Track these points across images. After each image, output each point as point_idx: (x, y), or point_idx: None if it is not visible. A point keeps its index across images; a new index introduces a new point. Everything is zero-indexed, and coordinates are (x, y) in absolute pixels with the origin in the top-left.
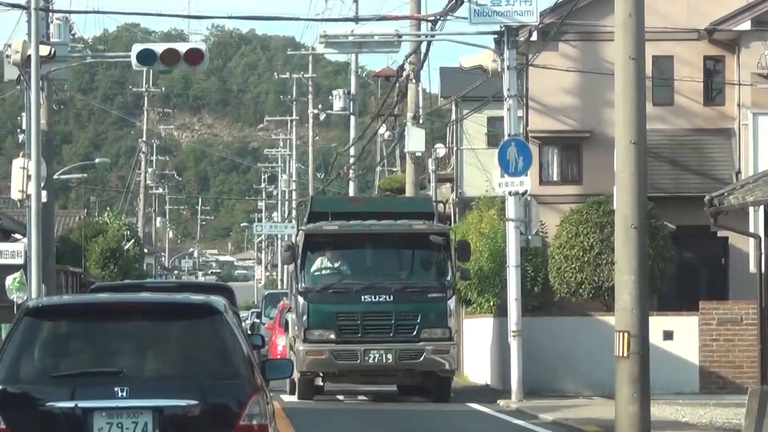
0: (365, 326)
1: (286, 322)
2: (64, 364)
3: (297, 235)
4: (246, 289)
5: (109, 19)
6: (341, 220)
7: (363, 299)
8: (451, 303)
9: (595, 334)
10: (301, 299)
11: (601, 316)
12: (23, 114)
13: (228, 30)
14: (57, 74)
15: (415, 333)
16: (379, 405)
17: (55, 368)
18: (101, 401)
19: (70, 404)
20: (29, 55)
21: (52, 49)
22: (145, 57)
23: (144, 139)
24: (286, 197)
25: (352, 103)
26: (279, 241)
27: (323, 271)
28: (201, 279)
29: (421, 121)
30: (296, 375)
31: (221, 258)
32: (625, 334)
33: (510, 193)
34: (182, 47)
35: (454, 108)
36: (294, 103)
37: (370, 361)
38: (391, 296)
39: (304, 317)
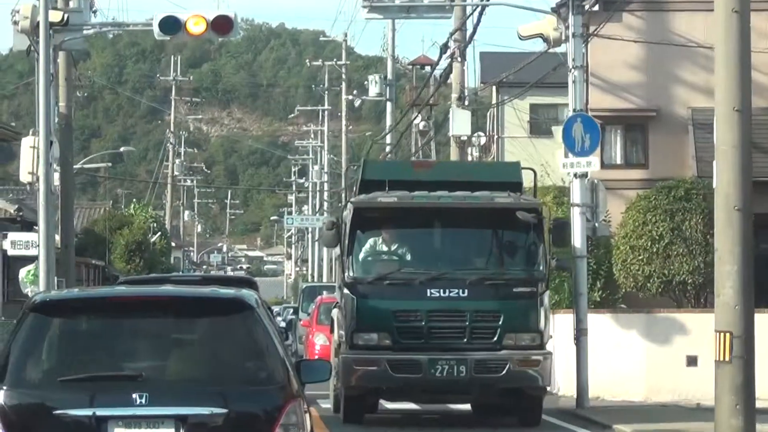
0: (431, 329)
1: (332, 321)
2: (76, 366)
3: (344, 210)
4: (275, 284)
5: (137, 12)
6: (402, 191)
7: (429, 294)
8: (545, 299)
9: (664, 333)
10: (347, 293)
11: (672, 313)
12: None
13: (257, 24)
14: (72, 45)
15: (496, 338)
16: (448, 430)
17: (65, 371)
18: (118, 409)
19: (83, 412)
20: (39, 22)
21: (65, 15)
22: (169, 25)
23: (172, 129)
24: (318, 189)
25: (388, 88)
26: (309, 235)
27: (377, 257)
28: (230, 274)
29: (466, 103)
30: (339, 388)
31: (250, 253)
32: (727, 334)
33: (576, 175)
34: (209, 14)
35: (495, 94)
36: (326, 92)
37: (438, 374)
38: (466, 290)
39: (352, 316)
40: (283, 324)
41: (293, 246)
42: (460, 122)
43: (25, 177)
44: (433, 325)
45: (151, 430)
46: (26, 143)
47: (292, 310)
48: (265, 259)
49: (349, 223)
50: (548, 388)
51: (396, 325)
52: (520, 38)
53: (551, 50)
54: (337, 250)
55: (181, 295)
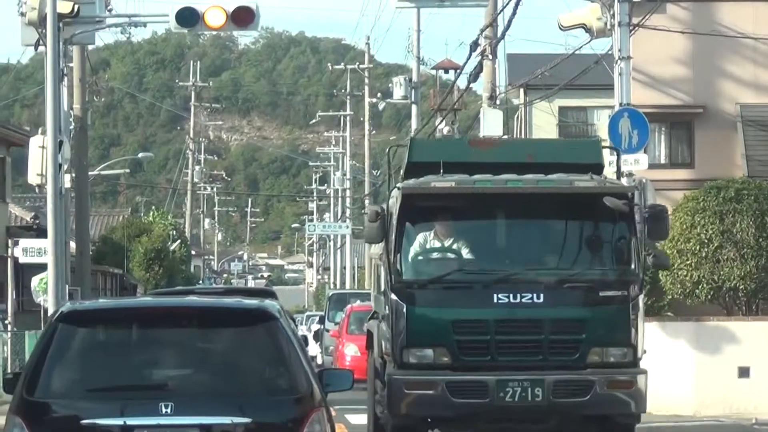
0: (500, 343)
1: (368, 334)
2: (102, 376)
3: (389, 197)
4: (296, 293)
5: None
6: (460, 174)
7: (496, 300)
8: (638, 305)
9: (714, 342)
10: (395, 299)
11: (722, 322)
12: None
13: (277, 32)
14: (83, 39)
15: (579, 354)
16: None
17: (92, 381)
18: (144, 418)
19: (110, 421)
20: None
21: (76, 6)
22: (187, 17)
23: (191, 135)
24: (340, 195)
25: (413, 91)
26: (331, 243)
27: (432, 255)
28: (251, 282)
29: (498, 102)
30: (384, 417)
31: (271, 261)
32: None
33: (623, 174)
34: (229, 5)
35: (522, 96)
36: (348, 96)
37: (508, 398)
38: (541, 295)
39: (402, 328)
40: (307, 333)
41: (314, 254)
42: (491, 122)
43: (33, 179)
44: (502, 339)
45: None
46: (35, 143)
47: (317, 319)
48: (285, 267)
49: (396, 214)
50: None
51: (456, 338)
52: (560, 28)
53: (593, 40)
54: (373, 249)
55: (206, 306)
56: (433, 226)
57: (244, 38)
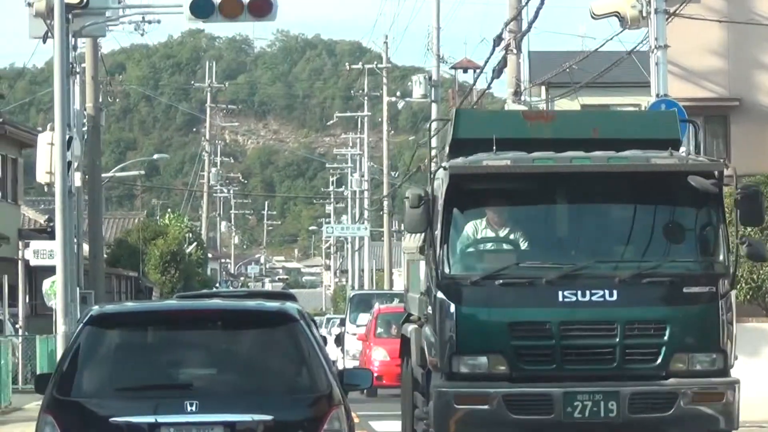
0: (567, 349)
1: (402, 340)
2: (130, 376)
3: (434, 179)
4: (314, 296)
5: (172, 25)
6: (516, 151)
7: (562, 298)
8: (729, 303)
9: (752, 344)
10: (442, 298)
11: (762, 323)
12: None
13: (293, 35)
14: (93, 31)
15: (660, 361)
16: None
17: (119, 380)
18: (169, 416)
19: (137, 419)
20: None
21: None
22: (201, 7)
23: (207, 137)
24: (357, 197)
25: (433, 89)
26: (348, 245)
27: (485, 246)
28: (268, 285)
29: (523, 98)
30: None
31: (288, 264)
32: None
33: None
34: None
35: (544, 94)
36: (365, 97)
37: (577, 414)
38: (615, 292)
39: (450, 332)
40: (327, 336)
41: (332, 257)
42: None
43: (42, 177)
44: (569, 344)
45: None
46: (43, 140)
47: (338, 321)
48: (302, 270)
49: (443, 198)
50: None
51: (514, 343)
52: (593, 17)
53: (623, 32)
54: (406, 242)
55: (229, 309)
56: (486, 213)
57: (260, 41)
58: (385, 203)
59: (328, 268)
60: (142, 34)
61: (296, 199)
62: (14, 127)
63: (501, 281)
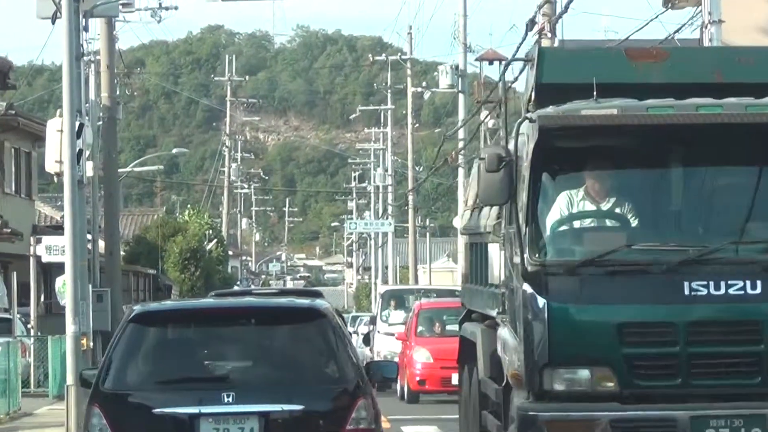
0: (695, 358)
1: (462, 344)
2: (170, 370)
3: (517, 135)
4: (335, 294)
5: (192, 21)
6: (618, 98)
7: (689, 291)
8: None
9: None
10: (529, 291)
11: None
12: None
13: (313, 30)
14: (105, 11)
15: None
16: None
17: (161, 374)
18: (208, 407)
19: (177, 410)
20: None
21: None
22: None
23: (227, 132)
24: (380, 192)
25: (460, 79)
26: (371, 242)
27: (585, 222)
28: (289, 283)
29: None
30: None
31: (309, 262)
32: None
33: None
34: None
35: None
36: (389, 89)
37: None
38: (758, 283)
39: (540, 335)
40: (353, 336)
41: (354, 254)
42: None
43: (51, 166)
44: (699, 351)
45: (238, 425)
46: (52, 127)
47: (367, 319)
48: (324, 268)
49: (529, 159)
50: None
51: (626, 351)
52: None
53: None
54: (463, 221)
55: (262, 305)
56: (586, 178)
57: (280, 37)
58: (410, 198)
59: (350, 265)
60: (159, 21)
61: (317, 195)
62: (27, 119)
63: (607, 269)
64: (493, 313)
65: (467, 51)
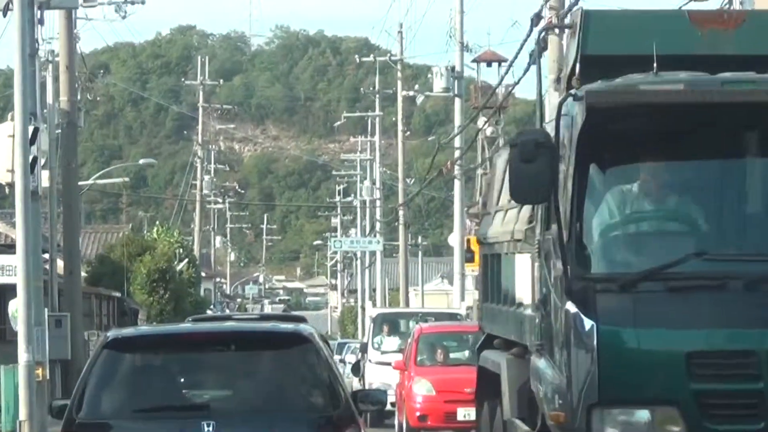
0: None
1: (485, 372)
2: (148, 398)
3: (559, 116)
4: (319, 318)
5: (161, 21)
6: (677, 71)
7: None
8: None
9: None
10: (573, 311)
11: None
12: None
13: (294, 31)
14: (64, 2)
15: None
16: None
17: (138, 403)
18: None
19: None
20: None
21: None
22: None
23: (200, 141)
24: (368, 206)
25: (456, 82)
26: (357, 262)
27: (644, 224)
28: (267, 308)
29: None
30: None
31: (289, 285)
32: None
33: None
34: None
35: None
36: (377, 94)
37: None
38: None
39: (588, 366)
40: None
41: (338, 275)
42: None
43: (2, 176)
44: None
45: None
46: (3, 132)
47: (357, 346)
48: (305, 290)
49: (574, 145)
50: None
51: (695, 387)
52: None
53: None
54: (495, 226)
55: (244, 330)
56: (644, 170)
57: (257, 38)
58: (401, 213)
59: (334, 287)
60: (123, 17)
61: (298, 211)
62: None
63: (672, 284)
64: (524, 338)
65: (464, 50)
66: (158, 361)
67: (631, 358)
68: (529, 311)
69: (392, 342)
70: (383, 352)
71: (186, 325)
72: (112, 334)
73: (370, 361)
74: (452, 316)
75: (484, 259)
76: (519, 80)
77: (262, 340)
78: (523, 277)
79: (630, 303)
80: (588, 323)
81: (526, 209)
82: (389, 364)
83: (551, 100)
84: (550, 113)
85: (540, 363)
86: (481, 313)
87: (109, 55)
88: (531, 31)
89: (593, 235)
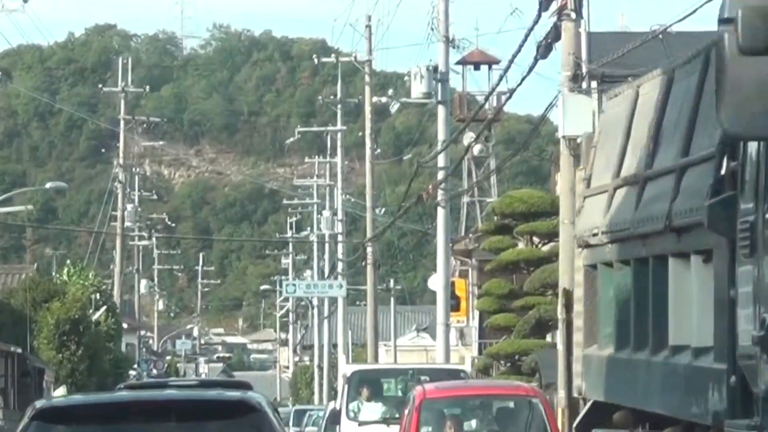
0: None
1: None
2: None
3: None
4: (265, 380)
5: (73, 20)
6: None
7: None
8: None
9: None
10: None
11: None
12: None
13: (235, 31)
14: None
15: None
16: None
17: None
18: None
19: None
20: None
21: None
22: None
23: (121, 162)
24: (326, 242)
25: (440, 85)
26: (314, 311)
27: None
28: (203, 367)
29: (585, 85)
30: None
31: (229, 339)
32: None
33: None
34: None
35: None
36: (339, 104)
37: None
38: None
39: None
40: None
41: (290, 327)
42: (575, 115)
43: None
44: None
45: None
46: None
47: (324, 415)
48: (249, 346)
49: None
50: None
51: None
52: None
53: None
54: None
55: (186, 399)
56: None
57: (191, 40)
58: (369, 250)
59: (284, 343)
60: (26, 1)
61: (240, 250)
62: None
63: None
64: (700, 413)
65: (450, 45)
66: None
67: None
68: (716, 363)
69: (373, 409)
70: (361, 423)
71: (122, 394)
72: (40, 404)
73: None
74: (454, 374)
75: (590, 274)
76: (523, 80)
77: (206, 410)
78: (700, 298)
79: None
80: None
81: (700, 172)
82: None
83: (567, 102)
84: (567, 118)
85: None
86: (581, 366)
87: (11, 59)
88: (539, 16)
89: None
